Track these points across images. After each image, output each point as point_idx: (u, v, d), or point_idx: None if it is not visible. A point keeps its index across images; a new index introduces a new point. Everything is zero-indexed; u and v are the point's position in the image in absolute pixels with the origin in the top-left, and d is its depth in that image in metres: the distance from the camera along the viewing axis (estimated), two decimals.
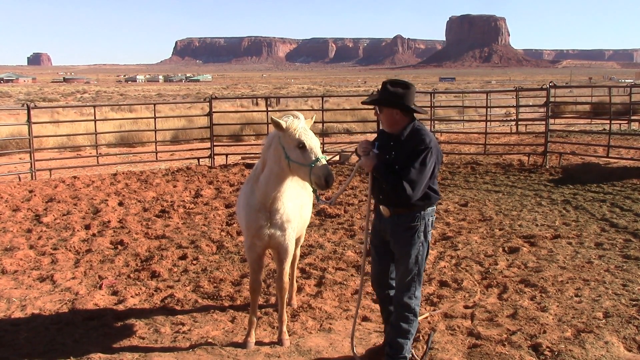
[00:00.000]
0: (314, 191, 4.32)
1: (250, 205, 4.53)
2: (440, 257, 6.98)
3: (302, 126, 4.16)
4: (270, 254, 5.49)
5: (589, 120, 21.54)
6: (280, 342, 4.77)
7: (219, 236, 8.17)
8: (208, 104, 15.37)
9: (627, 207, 9.15)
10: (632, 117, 19.91)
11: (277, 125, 4.15)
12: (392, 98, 3.91)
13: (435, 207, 4.11)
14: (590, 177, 11.59)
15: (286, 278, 4.80)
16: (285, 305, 4.91)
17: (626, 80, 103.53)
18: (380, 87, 4.03)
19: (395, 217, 4.00)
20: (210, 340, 4.90)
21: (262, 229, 4.51)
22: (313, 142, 4.12)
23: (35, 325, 5.27)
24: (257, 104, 38.05)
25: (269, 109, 17.29)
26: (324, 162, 4.07)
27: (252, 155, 15.04)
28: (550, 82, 14.59)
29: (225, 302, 5.84)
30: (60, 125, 19.89)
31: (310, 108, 28.50)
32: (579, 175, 11.84)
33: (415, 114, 4.00)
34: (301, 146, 4.07)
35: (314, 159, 4.02)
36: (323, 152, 4.57)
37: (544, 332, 4.79)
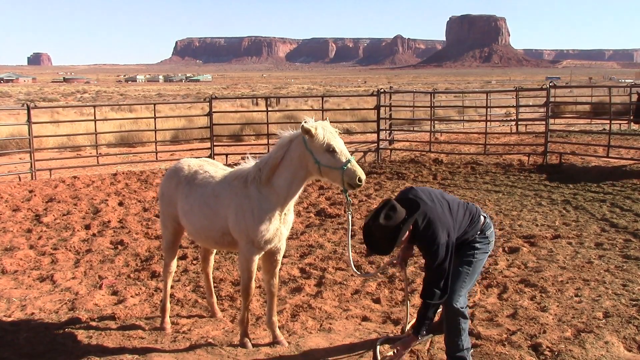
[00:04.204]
0: (344, 192, 4.27)
1: (265, 211, 4.39)
2: None
3: (329, 130, 4.20)
4: None
5: (589, 120, 21.53)
6: (279, 342, 4.78)
7: None
8: (208, 104, 15.39)
9: (627, 207, 9.15)
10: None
11: (308, 131, 4.15)
12: (396, 230, 3.85)
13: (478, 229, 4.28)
14: (590, 177, 11.60)
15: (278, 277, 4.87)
16: (276, 306, 4.94)
17: (626, 80, 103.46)
18: (375, 230, 3.90)
19: None
20: (210, 340, 4.90)
21: (277, 231, 4.49)
22: (341, 145, 4.18)
23: (35, 325, 5.27)
24: (257, 104, 38.03)
25: (269, 109, 17.30)
26: (354, 162, 4.15)
27: (252, 155, 15.01)
28: (551, 82, 14.58)
29: (225, 302, 5.85)
30: (60, 125, 19.88)
31: (310, 108, 28.48)
32: (579, 175, 11.84)
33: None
34: (331, 150, 4.13)
35: (344, 161, 4.10)
36: None
37: (544, 332, 4.79)
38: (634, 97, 17.90)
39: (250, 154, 5.10)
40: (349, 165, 4.09)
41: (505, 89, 48.54)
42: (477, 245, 4.24)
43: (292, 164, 4.32)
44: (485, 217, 4.32)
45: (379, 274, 6.41)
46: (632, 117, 14.36)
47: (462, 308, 4.12)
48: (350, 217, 4.48)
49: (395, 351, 4.13)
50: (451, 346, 4.18)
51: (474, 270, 4.21)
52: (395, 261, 4.71)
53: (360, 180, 4.08)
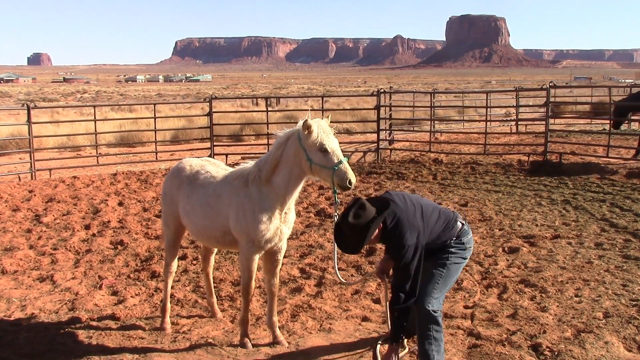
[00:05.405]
0: (334, 192, 4.29)
1: (265, 209, 4.40)
2: None
3: (324, 129, 4.19)
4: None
5: (589, 120, 21.53)
6: (279, 342, 4.78)
7: None
8: (208, 104, 15.39)
9: (627, 207, 9.15)
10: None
11: (308, 127, 4.14)
12: (365, 229, 3.83)
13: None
14: (590, 177, 11.60)
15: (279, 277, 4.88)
16: (276, 306, 4.94)
17: (626, 80, 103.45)
18: (344, 228, 3.90)
19: None
20: (210, 340, 4.90)
21: (278, 230, 4.49)
22: (334, 145, 4.17)
23: (35, 325, 5.27)
24: (257, 104, 38.03)
25: (269, 109, 17.31)
26: (346, 164, 4.14)
27: (252, 155, 15.03)
28: (550, 82, 14.58)
29: (225, 302, 5.85)
30: (60, 125, 19.89)
31: (310, 108, 28.48)
32: (578, 175, 11.84)
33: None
34: (323, 149, 4.12)
35: (336, 161, 4.09)
36: None
37: (544, 332, 4.79)
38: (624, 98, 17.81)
39: (250, 154, 5.11)
40: (340, 166, 4.08)
41: (505, 89, 48.54)
42: (452, 250, 4.16)
43: (288, 161, 4.33)
44: (463, 224, 4.25)
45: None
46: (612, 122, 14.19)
47: (434, 312, 3.99)
48: (336, 219, 4.47)
49: None
50: (421, 355, 4.05)
51: (448, 274, 4.12)
52: (375, 273, 4.64)
53: (350, 182, 4.07)
